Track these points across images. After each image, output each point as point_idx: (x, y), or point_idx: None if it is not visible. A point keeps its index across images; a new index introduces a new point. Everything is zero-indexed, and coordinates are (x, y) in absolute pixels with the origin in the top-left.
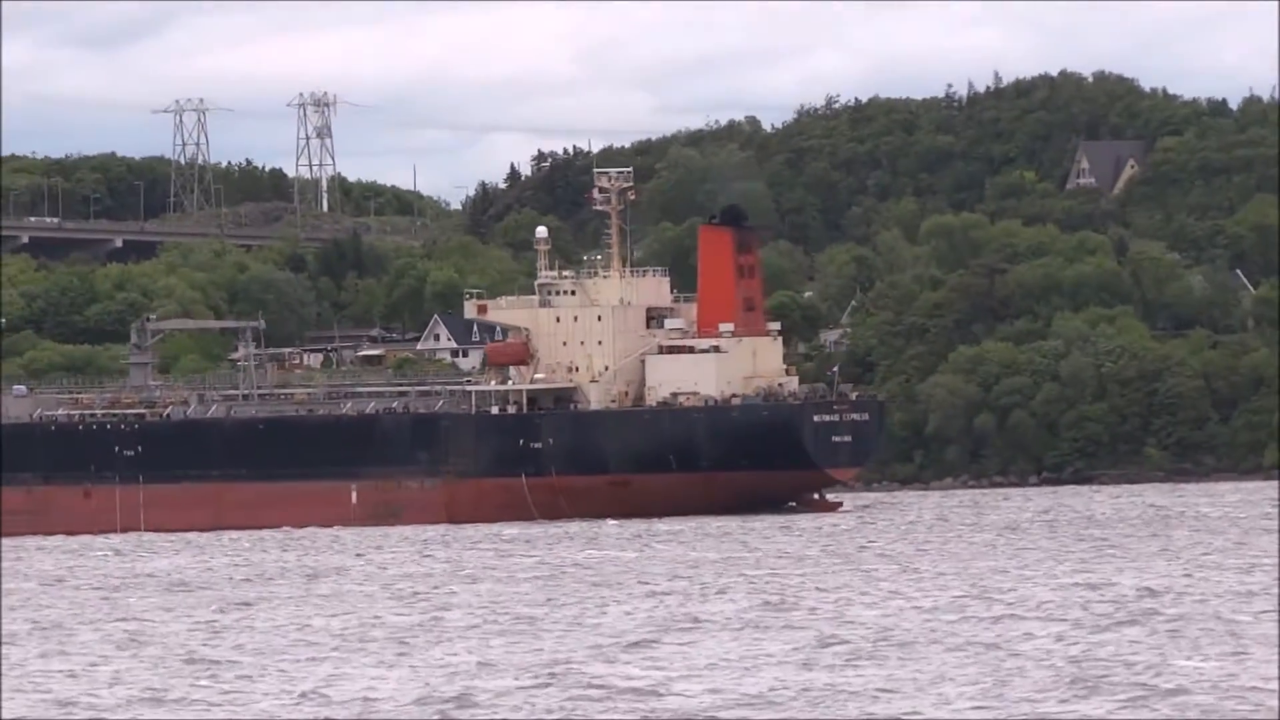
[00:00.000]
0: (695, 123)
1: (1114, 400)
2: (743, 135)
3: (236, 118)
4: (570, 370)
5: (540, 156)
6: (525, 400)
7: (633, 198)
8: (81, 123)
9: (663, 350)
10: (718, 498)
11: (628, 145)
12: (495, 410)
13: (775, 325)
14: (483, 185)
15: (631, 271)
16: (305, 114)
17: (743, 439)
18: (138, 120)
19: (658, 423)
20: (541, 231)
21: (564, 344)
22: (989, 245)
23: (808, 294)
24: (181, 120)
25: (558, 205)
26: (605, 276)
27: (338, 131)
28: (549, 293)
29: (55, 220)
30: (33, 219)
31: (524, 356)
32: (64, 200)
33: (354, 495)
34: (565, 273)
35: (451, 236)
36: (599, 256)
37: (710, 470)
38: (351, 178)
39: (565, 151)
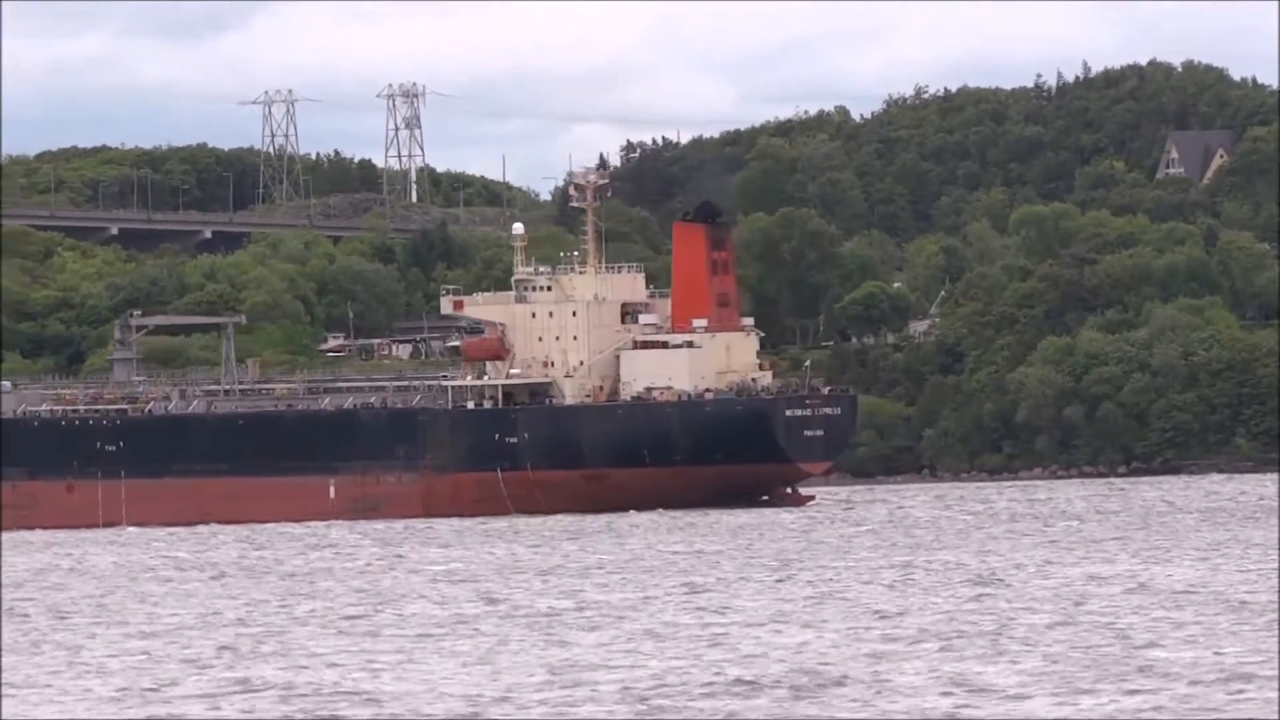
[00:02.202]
0: (784, 112)
1: (1203, 390)
2: (832, 125)
3: (325, 109)
4: (546, 365)
5: (629, 147)
6: (501, 395)
7: (609, 195)
8: (171, 114)
9: (637, 345)
10: (691, 491)
11: (716, 135)
12: (471, 405)
13: (749, 321)
14: (570, 175)
15: (607, 268)
16: (394, 105)
17: (716, 433)
18: (227, 112)
19: (632, 417)
20: (517, 228)
21: (539, 339)
22: (1078, 235)
23: (897, 284)
24: (270, 111)
25: (647, 196)
26: (581, 272)
27: (426, 122)
28: (525, 288)
29: (144, 212)
30: (122, 210)
31: (500, 352)
32: (153, 192)
33: (332, 490)
34: (541, 269)
35: (540, 227)
36: (575, 253)
37: (684, 464)
38: (440, 168)
39: (654, 142)
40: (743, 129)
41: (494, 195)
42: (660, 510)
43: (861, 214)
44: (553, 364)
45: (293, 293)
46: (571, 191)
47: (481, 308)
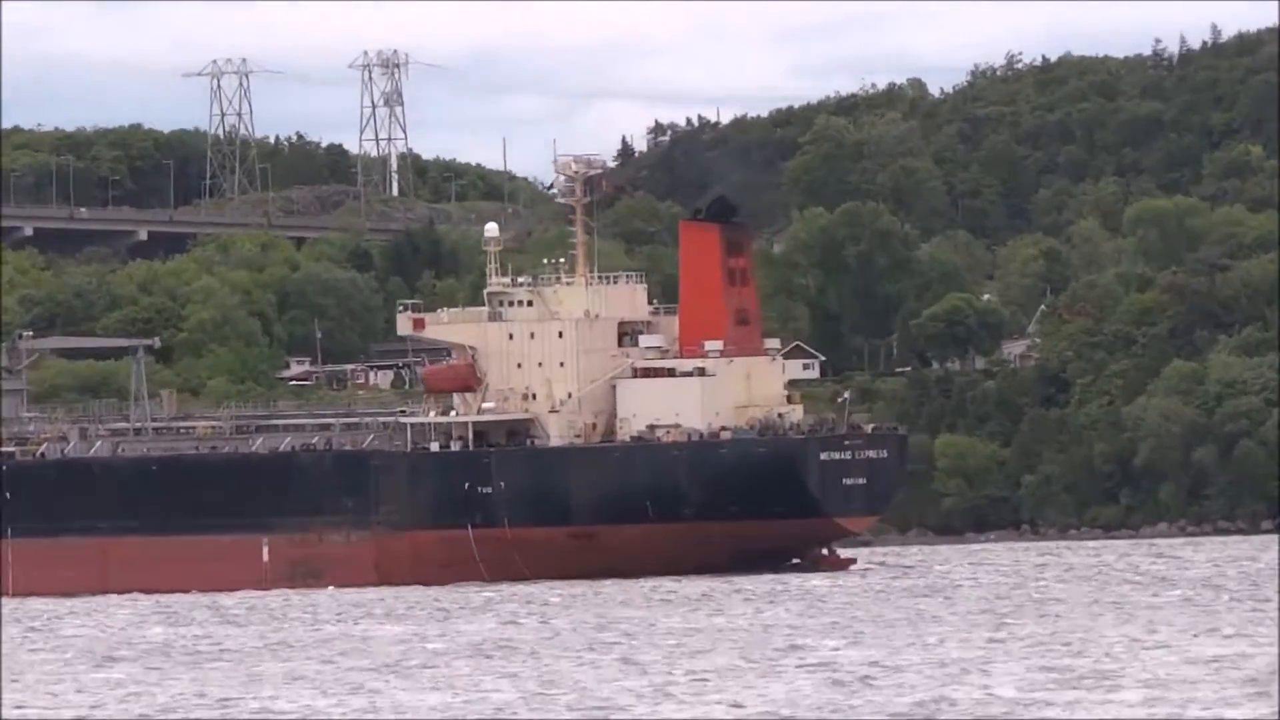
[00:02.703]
0: (847, 86)
1: None
2: (905, 101)
3: (286, 82)
4: (525, 398)
5: (657, 128)
6: (471, 435)
7: (605, 188)
8: (98, 89)
9: (637, 373)
10: (704, 553)
11: (764, 114)
12: (435, 447)
13: (774, 343)
14: (588, 163)
15: (600, 278)
16: (370, 77)
17: (734, 481)
18: (166, 86)
19: (631, 462)
20: (491, 229)
21: (518, 366)
22: (1208, 236)
23: (986, 296)
24: (219, 85)
25: (679, 188)
26: (568, 284)
27: (410, 98)
28: (500, 303)
29: (66, 208)
30: (38, 207)
31: (469, 381)
32: (76, 183)
33: (265, 551)
34: (520, 279)
35: (550, 227)
36: (562, 260)
37: (695, 520)
38: (427, 155)
39: (688, 122)
40: (797, 106)
41: (493, 187)
42: (666, 576)
43: (942, 210)
44: (534, 396)
45: (247, 308)
46: (558, 183)
47: (447, 327)
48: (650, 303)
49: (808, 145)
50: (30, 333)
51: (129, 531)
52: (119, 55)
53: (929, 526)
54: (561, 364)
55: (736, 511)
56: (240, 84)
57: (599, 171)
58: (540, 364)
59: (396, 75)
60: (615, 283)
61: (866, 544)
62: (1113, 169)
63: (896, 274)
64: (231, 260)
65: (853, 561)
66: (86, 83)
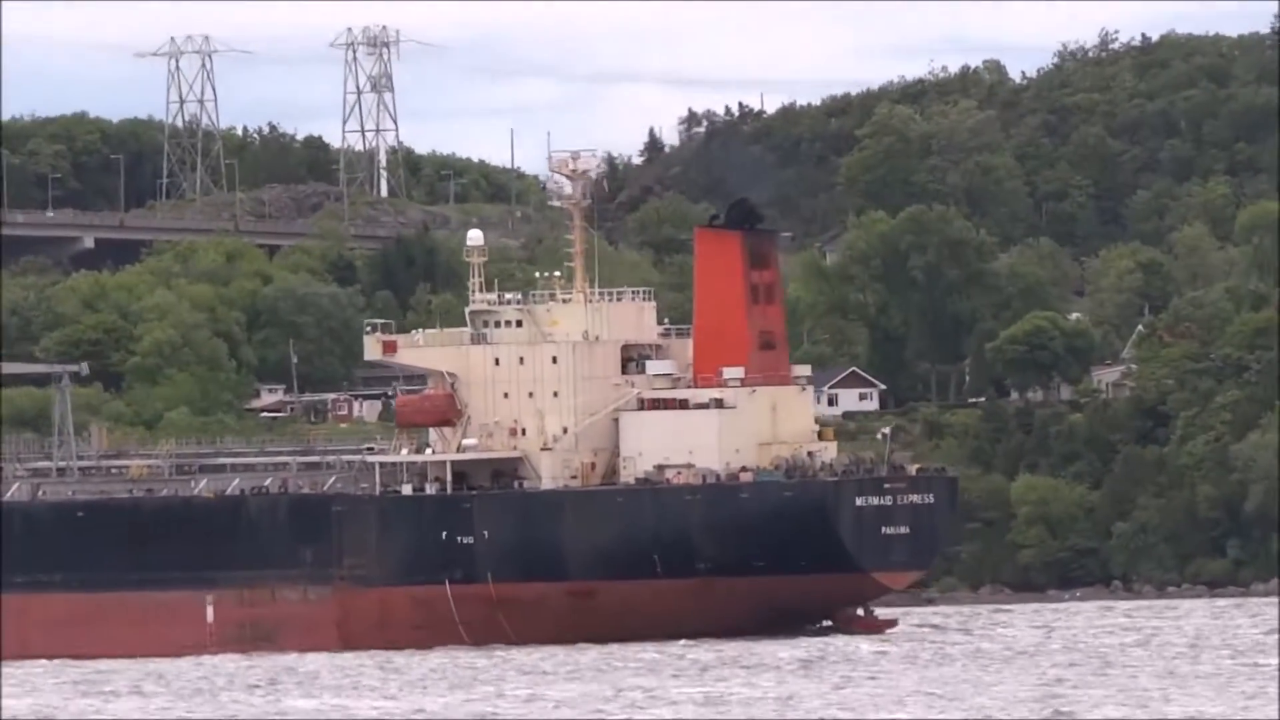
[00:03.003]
0: (913, 70)
1: None
2: (981, 88)
3: (256, 63)
4: (513, 433)
5: (691, 118)
6: (450, 476)
7: (605, 190)
8: (37, 71)
9: (644, 405)
10: (721, 614)
11: (817, 102)
12: (408, 490)
13: (804, 370)
14: (610, 159)
15: (601, 294)
16: (355, 57)
17: (756, 531)
18: (116, 68)
19: (636, 508)
20: (474, 237)
21: (505, 396)
22: None
23: (1074, 315)
24: (178, 67)
25: (717, 188)
26: (564, 300)
27: (401, 83)
28: (485, 324)
29: None
30: None
31: (448, 414)
32: (10, 182)
33: (209, 610)
34: (508, 296)
35: (563, 233)
36: (558, 274)
37: (710, 575)
38: (421, 149)
39: (727, 112)
40: (855, 93)
41: (498, 187)
42: (675, 641)
43: (1024, 215)
44: (523, 432)
45: (211, 327)
46: (549, 186)
47: (422, 351)
48: (660, 323)
49: (867, 139)
50: None
51: (50, 588)
52: (61, 32)
53: (1005, 582)
54: (555, 394)
55: (759, 566)
56: (203, 65)
57: (601, 170)
58: (530, 394)
59: (385, 56)
60: (619, 300)
61: (930, 601)
62: (1223, 167)
63: (970, 289)
64: (192, 272)
65: (892, 624)
66: (22, 64)
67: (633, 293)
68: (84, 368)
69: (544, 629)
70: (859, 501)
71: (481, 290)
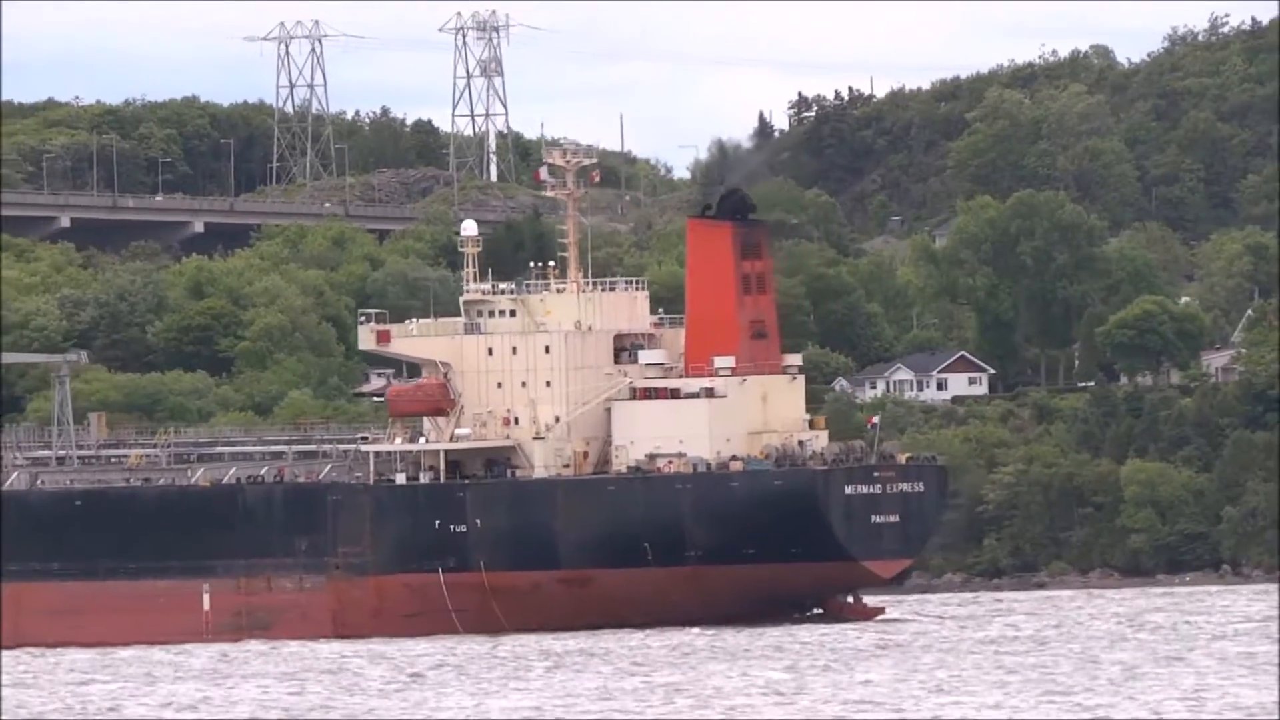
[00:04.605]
0: (1023, 54)
1: None
2: (1091, 72)
3: (366, 48)
4: (506, 423)
5: (801, 102)
6: (444, 465)
7: (595, 179)
8: (147, 57)
9: (637, 395)
10: (711, 601)
11: (926, 86)
12: (401, 479)
13: (795, 360)
14: (719, 144)
15: (594, 284)
16: (465, 42)
17: (746, 519)
18: (226, 53)
19: (628, 497)
20: (469, 228)
21: (498, 385)
22: None
23: (1184, 299)
24: (288, 52)
25: (828, 173)
26: (558, 290)
27: (511, 67)
28: (478, 313)
29: (109, 195)
30: (77, 194)
31: (441, 403)
32: (121, 167)
33: (206, 599)
34: (502, 286)
35: (674, 217)
36: (552, 264)
37: (701, 563)
38: (530, 134)
39: (837, 96)
40: (964, 77)
41: (608, 171)
42: (666, 628)
43: (1133, 199)
44: (516, 421)
45: (320, 311)
46: (543, 173)
47: (416, 341)
48: (654, 313)
49: (977, 123)
50: None
51: (48, 576)
52: (171, 17)
53: (1114, 566)
54: (548, 383)
55: (749, 554)
56: (313, 50)
57: (593, 161)
58: (523, 383)
59: (495, 40)
60: (612, 290)
61: (1040, 586)
62: None
63: (1079, 274)
64: (302, 256)
65: (880, 611)
66: (133, 49)
67: (625, 282)
68: (83, 356)
69: (536, 617)
70: (849, 490)
71: (475, 280)
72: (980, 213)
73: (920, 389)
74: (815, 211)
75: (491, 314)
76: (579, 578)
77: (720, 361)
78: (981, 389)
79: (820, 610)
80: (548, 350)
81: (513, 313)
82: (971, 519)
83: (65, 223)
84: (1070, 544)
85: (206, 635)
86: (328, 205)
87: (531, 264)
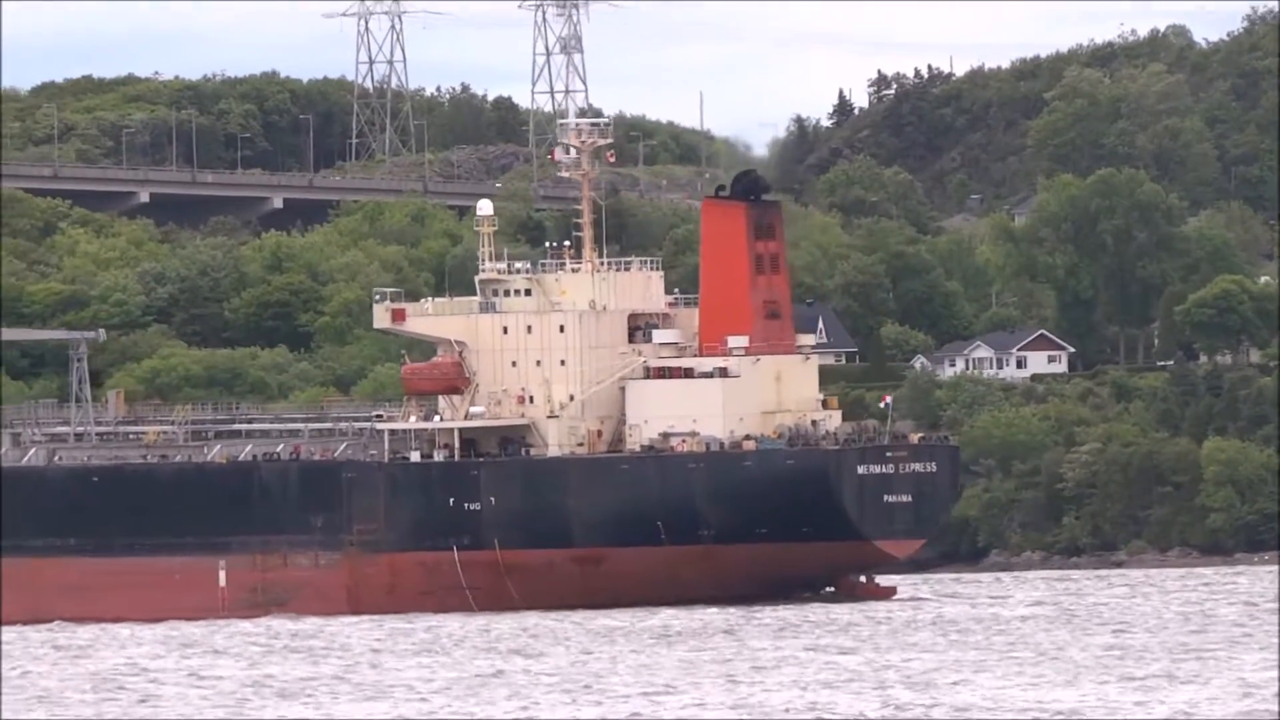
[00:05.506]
0: (1102, 33)
1: None
2: (1171, 51)
3: (446, 24)
4: (521, 401)
5: (881, 81)
6: (458, 443)
7: (611, 160)
8: (225, 31)
9: (650, 374)
10: (724, 580)
11: (1005, 65)
12: (416, 457)
13: (808, 340)
14: (799, 122)
15: (609, 264)
16: (544, 19)
17: (759, 498)
18: (305, 27)
19: (641, 475)
20: (484, 207)
21: (513, 364)
22: None
23: (1264, 279)
24: (367, 27)
25: (908, 151)
26: (573, 269)
27: (591, 44)
28: (493, 292)
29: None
30: (156, 169)
31: (456, 382)
32: (200, 142)
33: (222, 575)
34: (517, 265)
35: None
36: (568, 244)
37: (714, 542)
38: (610, 110)
39: (916, 75)
40: (1043, 56)
41: (688, 149)
42: (680, 607)
43: (1212, 178)
44: (530, 399)
45: (399, 287)
46: (559, 153)
47: (431, 320)
48: (669, 293)
49: (1056, 102)
50: None
51: (64, 552)
52: None
53: (1194, 545)
54: (562, 362)
55: (762, 533)
56: (392, 25)
57: (608, 142)
58: (538, 362)
59: (575, 17)
60: (627, 269)
61: (1118, 565)
62: None
63: (1159, 253)
64: (381, 232)
65: (893, 591)
66: (211, 24)
67: (640, 262)
68: (100, 333)
69: (550, 595)
70: (861, 470)
71: (490, 260)
72: (1061, 191)
73: (1000, 367)
74: (894, 190)
75: (507, 293)
76: (592, 556)
77: (734, 341)
78: (1061, 367)
79: (831, 589)
80: (562, 329)
81: (528, 292)
82: (1051, 497)
83: (144, 198)
84: (1149, 523)
85: (223, 612)
86: (413, 177)
87: (548, 244)
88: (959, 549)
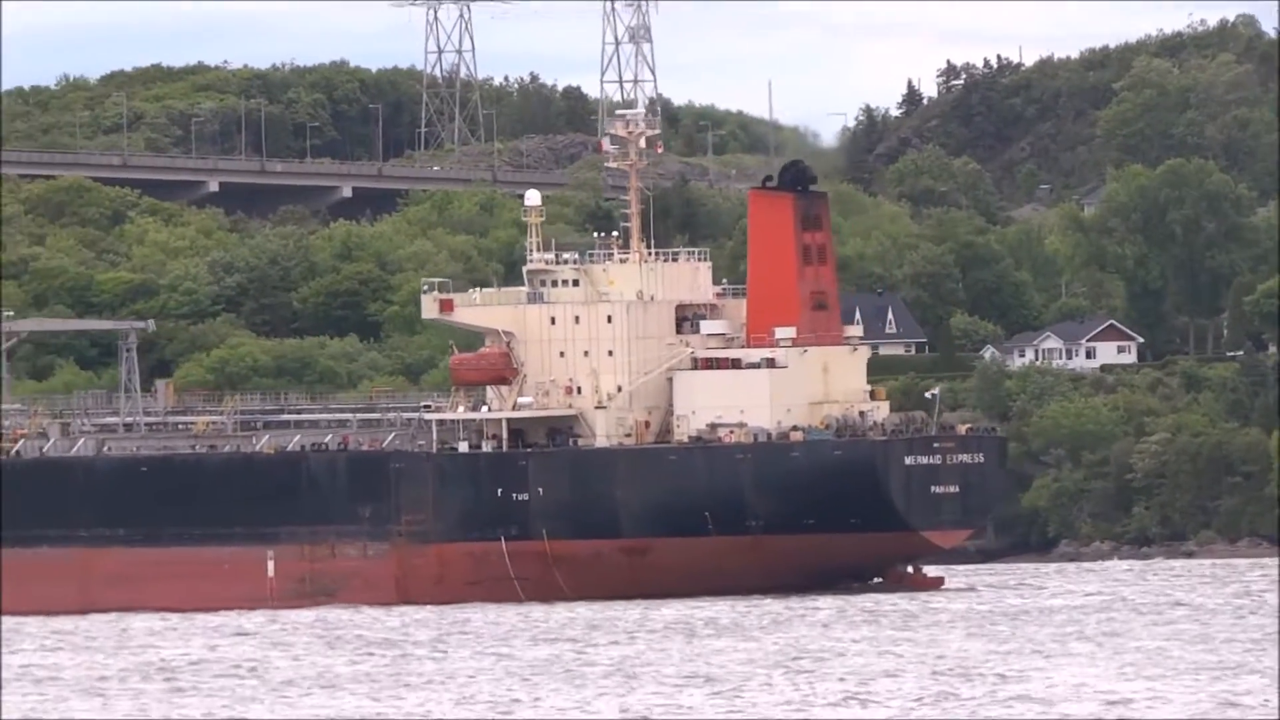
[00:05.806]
0: (1171, 23)
1: None
2: (1240, 41)
3: (516, 14)
4: (568, 392)
5: (950, 71)
6: (506, 434)
7: (659, 151)
8: (294, 20)
9: (698, 365)
10: (772, 571)
11: (1074, 55)
12: (464, 448)
13: (856, 331)
14: (868, 111)
15: (656, 254)
16: (614, 9)
17: (806, 489)
18: (374, 18)
19: (689, 466)
20: (533, 197)
21: (560, 355)
22: None
23: None
24: (437, 18)
25: (977, 141)
26: (621, 260)
27: (660, 34)
28: (541, 283)
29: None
30: (225, 158)
31: (504, 372)
32: (269, 131)
33: (270, 565)
34: (565, 256)
35: (823, 183)
36: (615, 235)
37: (762, 533)
38: (679, 100)
39: (985, 65)
40: (1113, 46)
41: (756, 138)
42: (727, 598)
43: None
44: (578, 390)
45: (468, 276)
46: (606, 145)
47: (479, 310)
48: (717, 284)
49: (1125, 92)
50: (11, 313)
51: (114, 542)
52: None
53: (1263, 535)
54: (610, 353)
55: (809, 524)
56: (461, 15)
57: (656, 133)
58: (586, 353)
59: (644, 7)
60: (674, 260)
61: (1189, 555)
62: None
63: (1227, 243)
64: (450, 221)
65: (941, 582)
66: (280, 13)
67: (688, 253)
68: (150, 324)
69: (598, 585)
70: (908, 460)
71: (539, 250)
72: (1130, 181)
73: (1069, 357)
74: (964, 179)
75: (555, 284)
76: (640, 547)
77: (781, 332)
78: (1130, 357)
79: (879, 580)
80: (610, 320)
81: (576, 282)
82: (1120, 487)
83: (213, 187)
84: (1219, 513)
85: (271, 602)
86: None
87: (596, 234)
88: (1029, 539)
